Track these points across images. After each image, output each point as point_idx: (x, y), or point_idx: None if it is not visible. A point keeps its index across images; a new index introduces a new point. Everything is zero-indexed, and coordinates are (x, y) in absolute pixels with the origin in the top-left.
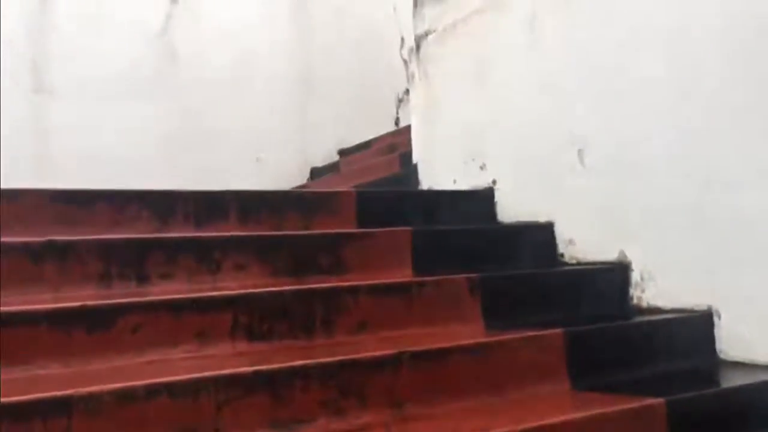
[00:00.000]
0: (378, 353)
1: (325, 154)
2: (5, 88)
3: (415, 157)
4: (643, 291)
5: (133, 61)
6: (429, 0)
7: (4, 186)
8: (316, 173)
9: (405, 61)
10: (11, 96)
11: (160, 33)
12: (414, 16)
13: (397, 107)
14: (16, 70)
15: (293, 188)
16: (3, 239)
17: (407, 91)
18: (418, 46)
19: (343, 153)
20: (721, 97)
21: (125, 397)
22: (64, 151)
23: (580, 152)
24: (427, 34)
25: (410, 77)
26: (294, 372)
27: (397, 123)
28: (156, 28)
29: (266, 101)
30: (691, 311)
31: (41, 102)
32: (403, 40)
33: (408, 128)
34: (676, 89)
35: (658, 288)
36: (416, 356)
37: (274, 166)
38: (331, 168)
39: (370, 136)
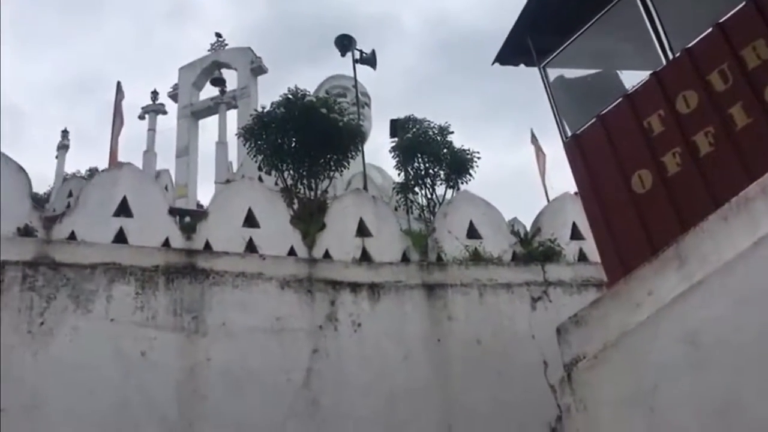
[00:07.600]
0: None
1: None
2: None
3: None
4: None
5: (276, 417)
6: (572, 326)
7: None
8: None
9: (552, 387)
10: None
11: (302, 386)
12: (559, 343)
13: None
14: None
15: None
16: None
17: (559, 419)
18: (569, 376)
19: None
20: None
21: None
22: None
23: None
24: (576, 361)
25: (564, 409)
26: None
27: None
28: (298, 381)
29: None
30: None
31: None
32: (546, 364)
33: None
34: None
35: None
36: None
37: None
38: None
39: None
